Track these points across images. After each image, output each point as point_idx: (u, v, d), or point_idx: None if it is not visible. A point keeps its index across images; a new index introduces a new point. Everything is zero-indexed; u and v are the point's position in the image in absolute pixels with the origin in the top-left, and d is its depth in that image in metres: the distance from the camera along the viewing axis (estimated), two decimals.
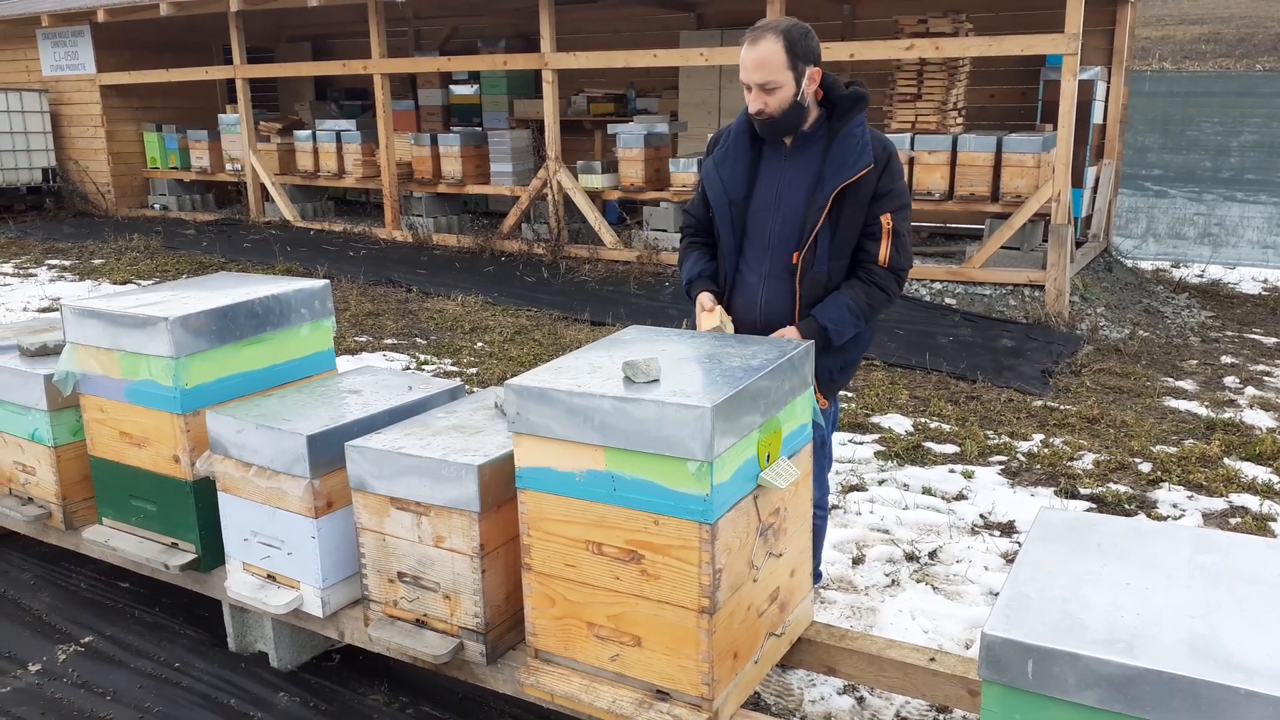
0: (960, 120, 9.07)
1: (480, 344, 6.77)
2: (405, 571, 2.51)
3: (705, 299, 2.83)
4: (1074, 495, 4.24)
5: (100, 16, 11.94)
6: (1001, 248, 8.10)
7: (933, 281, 8.27)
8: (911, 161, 8.33)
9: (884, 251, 2.72)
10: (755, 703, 2.71)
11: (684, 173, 9.38)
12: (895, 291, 2.79)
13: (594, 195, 9.92)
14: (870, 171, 2.69)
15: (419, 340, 6.91)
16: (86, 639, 3.14)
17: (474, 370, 6.12)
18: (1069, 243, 7.52)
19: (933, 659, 2.37)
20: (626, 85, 12.08)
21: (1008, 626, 1.61)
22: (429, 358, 6.45)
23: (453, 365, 6.28)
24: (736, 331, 2.78)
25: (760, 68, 2.65)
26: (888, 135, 8.34)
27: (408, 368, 6.25)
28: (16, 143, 13.01)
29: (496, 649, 2.48)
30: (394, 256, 9.90)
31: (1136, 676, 1.51)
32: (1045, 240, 7.98)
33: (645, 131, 9.62)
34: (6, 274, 9.51)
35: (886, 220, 2.71)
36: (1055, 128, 7.72)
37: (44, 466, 3.27)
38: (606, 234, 9.59)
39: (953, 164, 8.24)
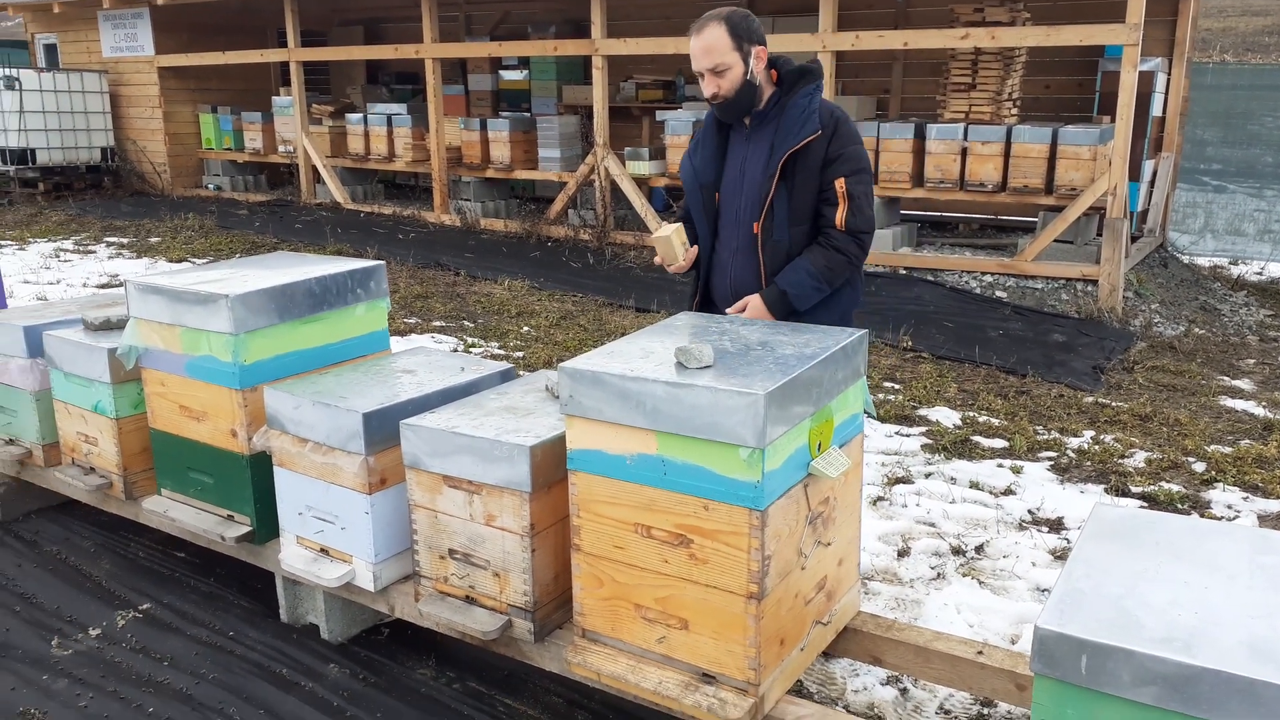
0: (1015, 111, 8.92)
1: (526, 328, 6.81)
2: (456, 548, 2.55)
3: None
4: (1125, 493, 4.18)
5: None
6: (1054, 241, 7.98)
7: (983, 274, 8.17)
8: (964, 152, 8.23)
9: (840, 215, 2.83)
10: (798, 690, 2.72)
11: None
12: (855, 253, 2.87)
13: (641, 182, 9.92)
14: (818, 138, 2.81)
15: (466, 323, 6.98)
16: (144, 606, 3.23)
17: (520, 354, 6.17)
18: (1124, 237, 7.39)
19: (980, 652, 2.36)
20: (675, 72, 12.05)
21: (1062, 621, 1.60)
22: (476, 340, 6.51)
23: (499, 348, 6.33)
24: (714, 310, 2.99)
25: (708, 53, 2.81)
26: (944, 123, 8.24)
27: (455, 350, 6.31)
28: (77, 122, 13.30)
29: (544, 627, 2.51)
30: (442, 240, 9.98)
31: (1194, 676, 1.49)
32: (1100, 234, 7.84)
33: (694, 118, 9.58)
34: (67, 250, 9.74)
35: (840, 184, 2.82)
36: (1113, 120, 7.57)
37: (106, 438, 3.36)
38: (652, 220, 9.59)
39: (1006, 155, 8.11)
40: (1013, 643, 3.07)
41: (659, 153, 9.98)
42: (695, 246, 3.03)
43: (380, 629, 3.06)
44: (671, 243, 2.94)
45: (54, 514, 3.90)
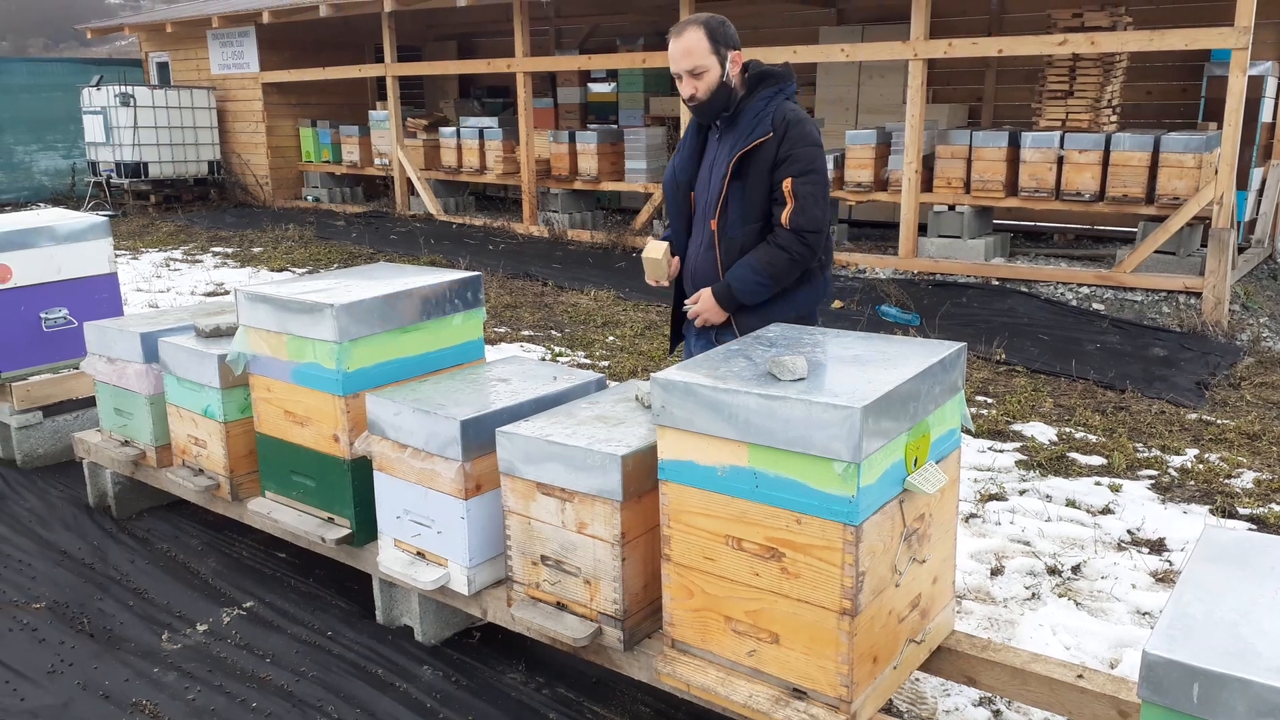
0: (1114, 118, 8.67)
1: (612, 338, 6.87)
2: (548, 555, 2.59)
3: (649, 239, 3.22)
4: (1231, 514, 4.02)
5: (265, 18, 12.64)
6: (1155, 252, 7.72)
7: (1080, 285, 7.95)
8: (1060, 161, 8.03)
9: (785, 214, 2.94)
10: (888, 708, 2.68)
11: None
12: (799, 251, 2.96)
13: None
14: (768, 140, 2.93)
15: (554, 333, 7.07)
16: (248, 604, 3.36)
17: (606, 363, 6.23)
18: (1231, 248, 7.10)
19: (1080, 676, 2.30)
20: None
21: (1172, 647, 1.55)
22: (563, 350, 6.59)
23: (585, 358, 6.40)
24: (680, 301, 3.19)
25: (687, 55, 2.95)
26: (1040, 131, 8.03)
27: (543, 359, 6.40)
28: (186, 137, 13.91)
29: (633, 636, 2.53)
30: (531, 251, 10.14)
31: None
32: (1204, 245, 7.56)
33: None
34: (176, 260, 10.19)
35: (788, 185, 2.93)
36: (1219, 126, 7.30)
37: (214, 440, 3.50)
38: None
39: (1105, 163, 7.89)
40: (1112, 667, 2.98)
41: None
42: (677, 258, 3.20)
43: (472, 632, 3.13)
44: (661, 264, 3.15)
45: (164, 513, 4.08)
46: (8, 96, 15.50)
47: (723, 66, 2.96)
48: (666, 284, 3.21)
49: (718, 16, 3.01)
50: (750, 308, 3.04)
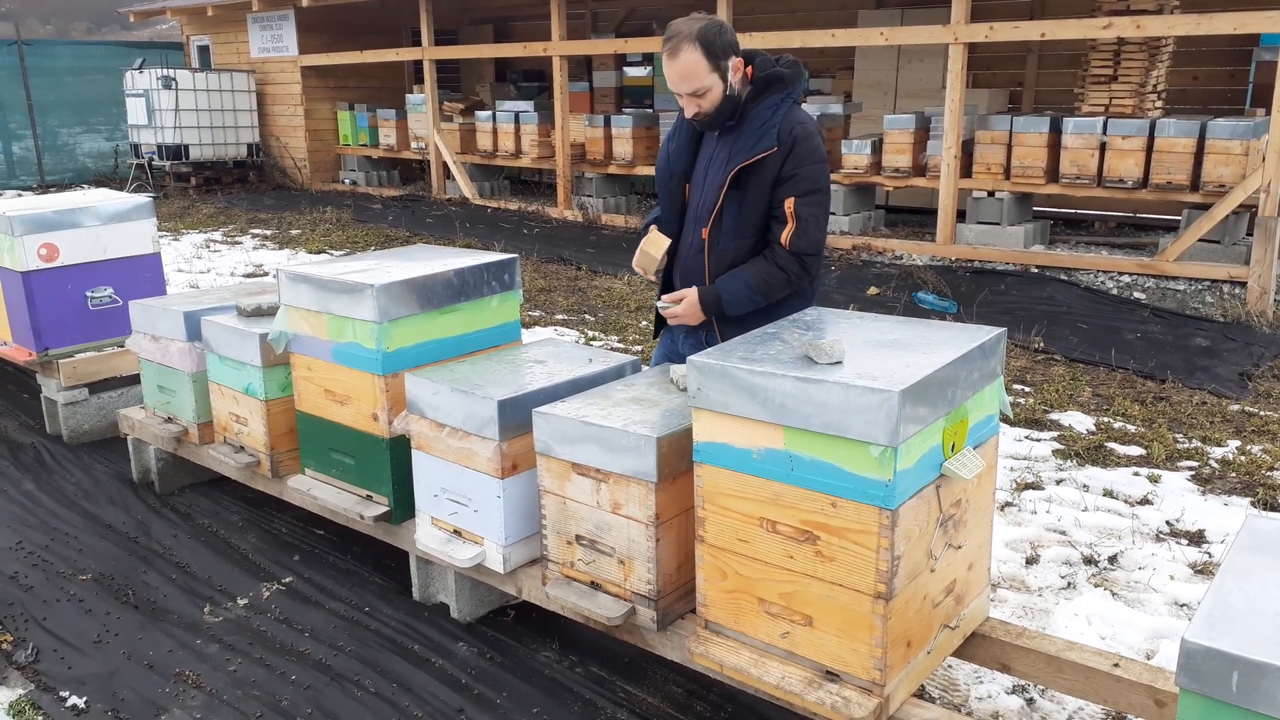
0: (1159, 104, 8.52)
1: (645, 322, 6.88)
2: (583, 535, 2.61)
3: (653, 229, 3.06)
4: (1273, 507, 3.96)
5: (305, 1, 12.71)
6: (1199, 240, 7.59)
7: (1120, 274, 7.84)
8: (1103, 147, 7.91)
9: (786, 234, 2.82)
10: (920, 693, 2.68)
11: (857, 154, 9.21)
12: (796, 273, 2.86)
13: None
14: (772, 155, 2.78)
15: (588, 317, 7.09)
16: (287, 579, 3.42)
17: (639, 348, 6.24)
18: (1277, 237, 6.96)
19: (1116, 664, 2.28)
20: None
21: (1212, 635, 1.54)
22: (597, 334, 6.61)
23: (619, 342, 6.41)
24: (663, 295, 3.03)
25: (686, 79, 2.77)
26: (1082, 116, 7.90)
27: (577, 343, 6.42)
28: (227, 120, 14.07)
29: (667, 616, 2.54)
30: (565, 235, 10.16)
31: None
32: (1250, 234, 7.41)
33: (818, 112, 9.49)
34: (216, 241, 10.33)
35: (790, 204, 2.80)
36: (1267, 112, 7.14)
37: (256, 418, 3.56)
38: None
39: (1149, 150, 7.76)
40: (1148, 657, 2.96)
41: None
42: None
43: (506, 610, 3.16)
44: (655, 261, 3.00)
45: (206, 489, 4.16)
46: (52, 80, 15.74)
47: (725, 80, 2.78)
48: (652, 279, 3.07)
49: (713, 23, 2.78)
50: (729, 318, 2.94)
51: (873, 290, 7.54)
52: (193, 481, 4.19)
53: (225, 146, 14.12)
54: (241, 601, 3.28)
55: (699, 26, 2.76)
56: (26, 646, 3.01)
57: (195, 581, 3.42)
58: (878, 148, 9.20)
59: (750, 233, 2.87)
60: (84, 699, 2.77)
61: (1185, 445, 4.60)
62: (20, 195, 11.58)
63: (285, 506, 3.86)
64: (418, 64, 13.47)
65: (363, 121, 13.88)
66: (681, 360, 3.13)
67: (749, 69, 2.86)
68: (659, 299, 3.07)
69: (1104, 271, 7.91)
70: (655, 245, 3.00)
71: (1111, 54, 8.30)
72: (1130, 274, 7.80)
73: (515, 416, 2.71)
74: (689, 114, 2.86)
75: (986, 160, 8.53)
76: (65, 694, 2.79)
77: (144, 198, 4.87)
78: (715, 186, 2.89)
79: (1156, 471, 4.30)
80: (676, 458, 2.45)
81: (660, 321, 3.29)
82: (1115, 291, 7.49)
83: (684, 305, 2.92)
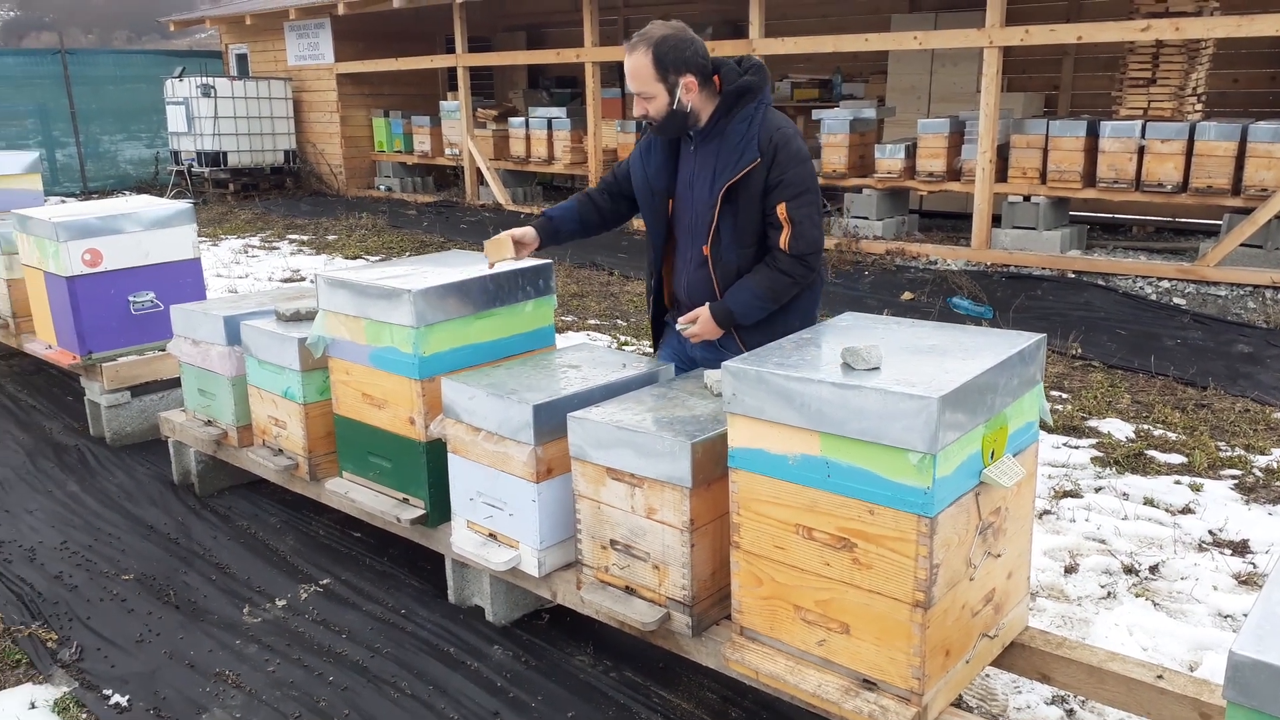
0: (1199, 107, 8.39)
1: None
2: (617, 539, 2.62)
3: (515, 230, 3.10)
4: None
5: (340, 9, 12.86)
6: (1241, 245, 7.47)
7: (1159, 279, 7.73)
8: (1141, 151, 7.81)
9: (784, 239, 2.87)
10: (958, 703, 2.65)
11: (890, 159, 9.16)
12: (800, 274, 2.92)
13: None
14: (756, 167, 2.83)
15: (620, 322, 7.10)
16: (324, 581, 3.45)
17: None
18: None
19: (1160, 676, 2.25)
20: (833, 70, 11.89)
21: (1260, 648, 1.51)
22: (629, 339, 6.61)
23: (650, 347, 6.40)
24: (679, 313, 3.10)
25: (633, 78, 2.86)
26: (1120, 120, 7.80)
27: (610, 348, 6.43)
28: (264, 126, 14.26)
29: (701, 622, 2.54)
30: (596, 241, 10.13)
31: None
32: None
33: (851, 117, 9.45)
34: (254, 246, 10.46)
35: (782, 210, 2.85)
36: None
37: (294, 421, 3.60)
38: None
39: (1188, 154, 7.65)
40: (1191, 669, 2.91)
41: (813, 152, 9.87)
42: (511, 239, 3.09)
43: (541, 614, 3.17)
44: (499, 251, 3.08)
45: (245, 491, 4.21)
46: (94, 88, 16.03)
47: (671, 94, 2.84)
48: (509, 256, 3.08)
49: (673, 36, 2.84)
50: (744, 327, 3.01)
51: (907, 295, 7.49)
52: (232, 484, 4.24)
53: (263, 153, 14.31)
54: (280, 602, 3.32)
55: (660, 35, 2.84)
56: (71, 645, 3.07)
57: (234, 582, 3.46)
58: (911, 152, 9.15)
59: (749, 241, 2.94)
60: (126, 697, 2.81)
61: (1228, 453, 4.52)
62: (64, 201, 11.80)
63: (323, 509, 3.90)
64: (452, 71, 13.57)
65: (397, 128, 14.01)
66: (691, 363, 3.15)
67: (717, 77, 2.91)
68: (671, 319, 3.14)
69: (1142, 277, 7.80)
70: (496, 250, 3.08)
71: (1150, 57, 8.20)
72: (1170, 279, 7.69)
73: (550, 421, 2.72)
74: (636, 112, 2.95)
75: (1022, 164, 8.45)
76: (108, 692, 2.84)
77: (185, 204, 4.95)
78: (706, 204, 2.95)
79: (1198, 480, 4.23)
80: (711, 463, 2.44)
81: (658, 333, 3.31)
82: (1154, 297, 7.38)
83: (700, 324, 3.00)
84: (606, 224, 3.30)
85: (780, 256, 2.90)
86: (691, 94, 2.87)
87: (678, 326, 3.07)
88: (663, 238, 3.12)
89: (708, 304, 2.99)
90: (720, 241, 2.95)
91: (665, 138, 3.00)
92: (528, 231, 3.13)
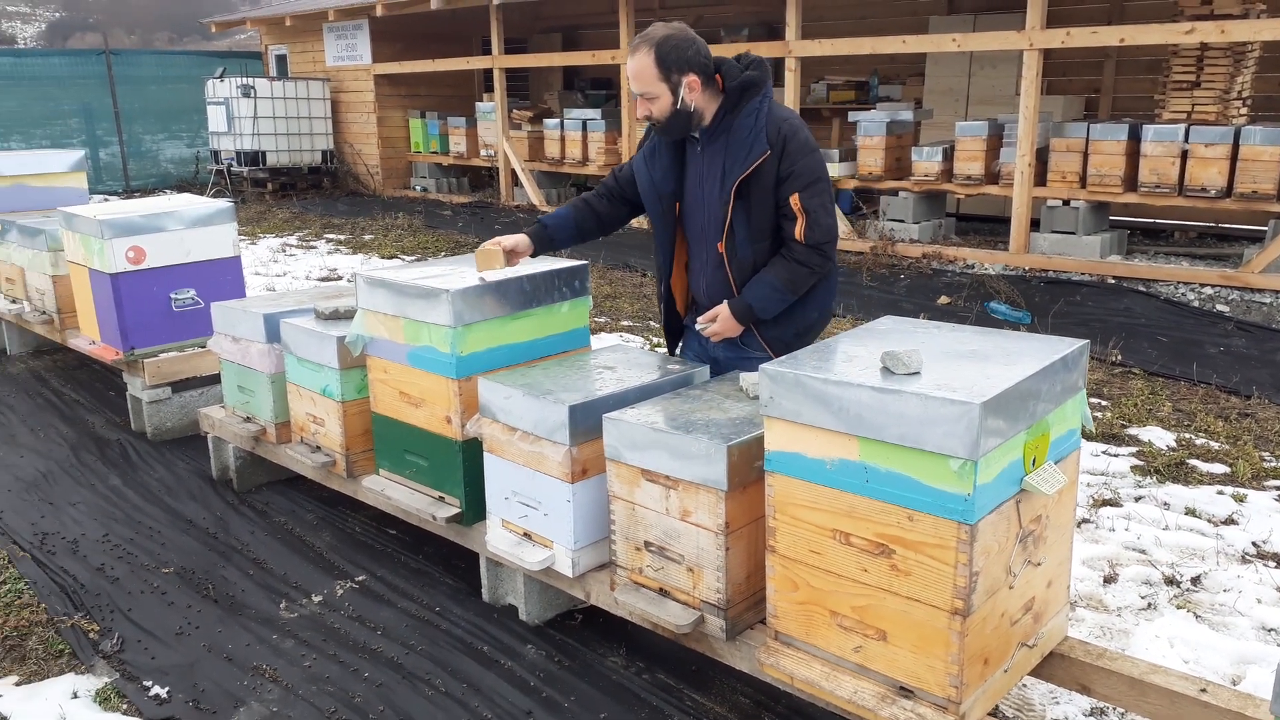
0: (1244, 111, 8.24)
1: None
2: (652, 541, 2.62)
3: (506, 239, 3.10)
4: None
5: (378, 11, 12.97)
6: None
7: (1202, 286, 7.60)
8: (1184, 155, 7.68)
9: (799, 229, 2.88)
10: (994, 712, 2.63)
11: (927, 162, 9.09)
12: (817, 263, 2.93)
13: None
14: (767, 159, 2.84)
15: (652, 323, 7.10)
16: (360, 577, 3.48)
17: None
18: None
19: (1204, 690, 2.21)
20: (869, 72, 11.82)
21: None
22: (661, 341, 6.60)
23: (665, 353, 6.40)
24: (697, 315, 3.11)
25: (636, 79, 2.87)
26: (1163, 124, 7.69)
27: (643, 349, 6.43)
28: (302, 127, 14.41)
29: (736, 625, 2.53)
30: (629, 242, 10.18)
31: None
32: None
33: (888, 119, 9.38)
34: (292, 245, 10.58)
35: (795, 201, 2.86)
36: None
37: (332, 419, 3.63)
38: (840, 224, 9.44)
39: (1233, 158, 7.51)
40: (1234, 683, 2.85)
41: (849, 154, 9.82)
42: (519, 251, 3.11)
43: (574, 614, 3.18)
44: (490, 262, 3.08)
45: (282, 487, 4.26)
46: (137, 88, 16.29)
47: (675, 94, 2.85)
48: (499, 267, 3.08)
49: (675, 36, 2.84)
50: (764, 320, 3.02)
51: (943, 299, 7.42)
52: (270, 480, 4.29)
53: (300, 153, 14.46)
54: (316, 598, 3.35)
55: (663, 35, 2.85)
56: (112, 636, 3.11)
57: (271, 578, 3.50)
58: (949, 155, 9.07)
59: (763, 236, 2.96)
60: (166, 689, 2.85)
61: (1272, 464, 4.44)
62: (107, 200, 12.01)
63: (359, 506, 3.93)
64: (488, 72, 13.65)
65: (434, 129, 14.10)
66: (713, 363, 3.15)
67: (719, 77, 2.91)
68: (689, 320, 3.14)
69: (1184, 283, 7.68)
70: (486, 261, 3.08)
71: (1194, 59, 8.07)
72: (1213, 286, 7.55)
73: (585, 422, 2.73)
74: (639, 114, 2.94)
75: (1062, 168, 8.35)
76: (148, 683, 2.88)
77: (225, 203, 5.02)
78: (718, 201, 2.95)
79: (1242, 490, 4.15)
80: (747, 466, 2.44)
81: (672, 335, 3.31)
82: (1196, 304, 7.26)
83: (719, 322, 3.01)
84: (605, 229, 3.31)
85: (796, 247, 2.91)
86: (695, 93, 2.88)
87: (697, 326, 3.09)
88: (672, 241, 3.13)
89: (726, 301, 3.01)
90: (735, 238, 2.96)
91: (669, 139, 3.00)
92: (521, 240, 3.14)
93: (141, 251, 4.68)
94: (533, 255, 3.19)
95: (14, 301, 6.05)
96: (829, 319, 3.23)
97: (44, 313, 5.69)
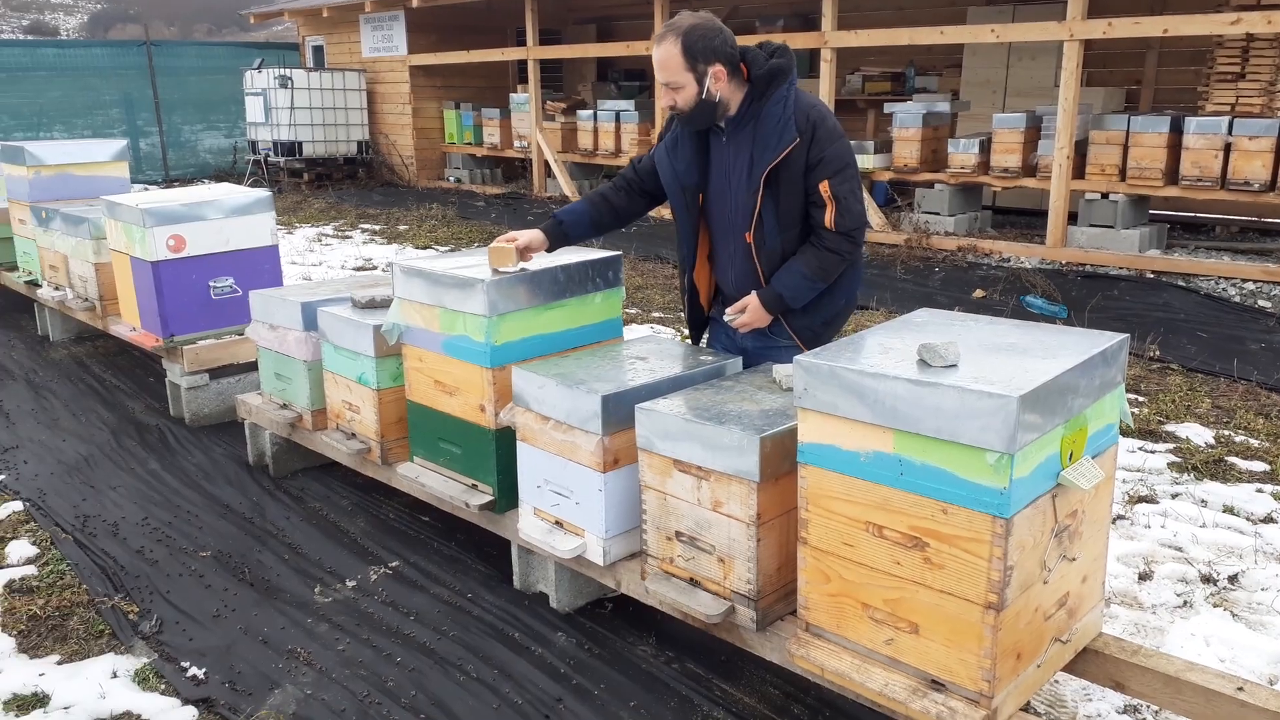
0: None
1: None
2: (683, 531, 2.62)
3: (521, 235, 3.12)
4: None
5: (414, 2, 13.04)
6: None
7: (1244, 281, 7.47)
8: (1228, 148, 7.55)
9: (829, 216, 2.87)
10: (1026, 708, 2.61)
11: (963, 154, 9.00)
12: (848, 250, 2.93)
13: (865, 176, 9.72)
14: (797, 146, 2.83)
15: (683, 314, 7.09)
16: (393, 563, 3.52)
17: None
18: None
19: (1241, 689, 2.18)
20: (905, 63, 11.71)
21: None
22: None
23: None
24: (724, 306, 3.12)
25: (662, 68, 2.85)
26: (1206, 116, 7.56)
27: (675, 340, 6.43)
28: (339, 118, 14.53)
29: (766, 616, 2.53)
30: (661, 233, 10.18)
31: None
32: None
33: (924, 111, 9.30)
34: (327, 235, 10.68)
35: (825, 187, 2.85)
36: None
37: (367, 406, 3.67)
38: (874, 215, 9.38)
39: (1278, 151, 7.37)
40: (1271, 683, 2.82)
41: (885, 146, 9.74)
42: (533, 247, 3.13)
43: (604, 603, 3.19)
44: (507, 255, 3.09)
45: (317, 473, 4.31)
46: (177, 79, 16.51)
47: (700, 84, 2.83)
48: (512, 264, 3.10)
49: (702, 25, 2.83)
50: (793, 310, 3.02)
51: (979, 293, 7.35)
52: (305, 466, 4.34)
53: (336, 144, 14.58)
54: (350, 584, 3.39)
55: (689, 24, 2.83)
56: (151, 617, 3.17)
57: (306, 562, 3.54)
58: (986, 147, 8.98)
59: (791, 224, 2.94)
60: (203, 670, 2.90)
61: None
62: (147, 189, 12.18)
63: (393, 493, 3.97)
64: (522, 64, 13.69)
65: (468, 120, 14.16)
66: (741, 354, 3.14)
67: (744, 66, 2.90)
68: (716, 312, 3.13)
69: (1225, 278, 7.56)
70: (499, 259, 3.10)
71: (1239, 51, 7.93)
72: (1255, 281, 7.43)
73: (618, 411, 2.74)
74: (664, 103, 2.93)
75: (1101, 161, 8.24)
76: (186, 664, 2.93)
77: (264, 192, 5.07)
78: (746, 190, 2.94)
79: None
80: (779, 458, 2.43)
81: (696, 327, 3.30)
82: (1238, 299, 7.14)
83: (749, 313, 3.01)
84: (621, 221, 3.31)
85: (826, 235, 2.90)
86: (720, 83, 2.86)
87: (725, 318, 3.08)
88: (695, 233, 3.13)
89: (754, 291, 3.00)
90: (763, 227, 2.95)
91: (694, 129, 2.98)
92: (535, 236, 3.14)
93: (182, 240, 4.74)
94: (547, 251, 3.20)
95: (57, 288, 6.16)
96: (854, 306, 3.22)
97: (86, 299, 5.79)
